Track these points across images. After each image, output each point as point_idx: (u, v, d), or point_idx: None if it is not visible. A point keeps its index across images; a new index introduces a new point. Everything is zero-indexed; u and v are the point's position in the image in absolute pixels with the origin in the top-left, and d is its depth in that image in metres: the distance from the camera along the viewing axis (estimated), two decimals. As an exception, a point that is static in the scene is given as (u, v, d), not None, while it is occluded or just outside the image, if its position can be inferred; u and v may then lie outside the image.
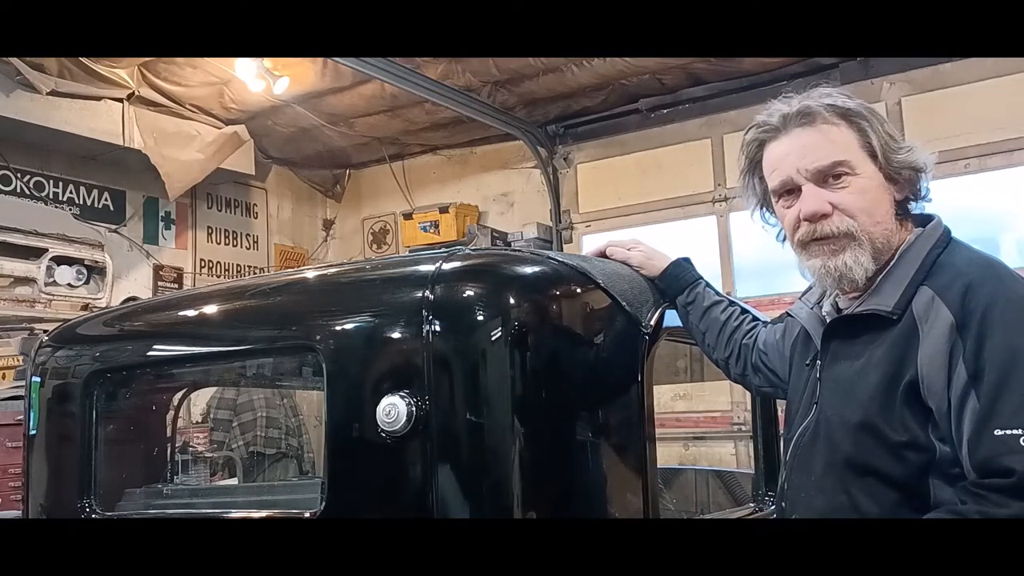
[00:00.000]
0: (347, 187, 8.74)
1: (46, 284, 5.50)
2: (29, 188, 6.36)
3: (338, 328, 1.91)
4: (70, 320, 2.85)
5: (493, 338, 1.72)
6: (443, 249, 2.17)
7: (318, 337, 1.88)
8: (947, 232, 1.57)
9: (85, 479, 2.24)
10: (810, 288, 1.72)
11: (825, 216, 1.51)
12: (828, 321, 1.62)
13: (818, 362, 1.61)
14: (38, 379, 2.39)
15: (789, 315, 1.81)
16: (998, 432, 1.29)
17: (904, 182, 1.54)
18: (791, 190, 1.56)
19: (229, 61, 6.14)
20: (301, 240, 8.54)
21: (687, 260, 2.03)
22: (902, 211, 1.56)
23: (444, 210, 7.53)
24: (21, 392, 3.42)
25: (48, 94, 5.79)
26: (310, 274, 2.49)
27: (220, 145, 6.86)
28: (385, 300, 1.91)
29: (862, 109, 1.54)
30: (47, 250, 5.54)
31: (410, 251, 7.07)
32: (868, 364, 1.48)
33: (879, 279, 1.53)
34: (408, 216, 7.71)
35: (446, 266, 1.81)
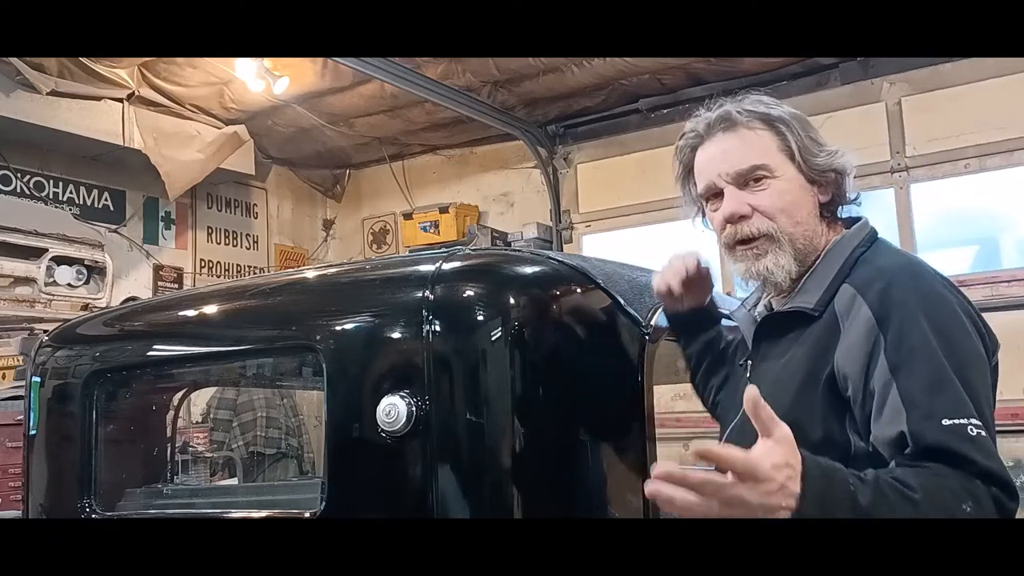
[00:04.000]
0: (347, 187, 8.74)
1: (46, 284, 5.50)
2: (29, 188, 6.36)
3: (338, 328, 1.91)
4: (70, 320, 2.85)
5: (493, 338, 1.72)
6: (443, 249, 2.18)
7: (318, 337, 1.88)
8: (872, 232, 1.59)
9: (85, 479, 2.24)
10: (752, 292, 1.75)
11: (744, 217, 1.55)
12: (758, 321, 1.65)
13: (749, 362, 1.65)
14: (38, 379, 2.39)
15: (729, 319, 1.83)
16: (947, 422, 1.31)
17: (827, 184, 1.58)
18: (716, 194, 1.60)
19: (229, 61, 6.14)
20: (301, 240, 8.54)
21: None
22: (829, 213, 1.60)
23: (444, 210, 7.53)
24: (21, 392, 3.42)
25: (48, 94, 5.79)
26: (310, 274, 2.49)
27: (220, 145, 6.86)
28: (385, 300, 1.91)
29: (783, 114, 1.57)
30: (47, 250, 5.54)
31: (410, 251, 7.07)
32: (791, 361, 1.51)
33: (805, 278, 1.56)
34: (408, 216, 7.71)
35: (446, 266, 1.81)
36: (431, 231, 7.50)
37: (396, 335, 1.81)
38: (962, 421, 1.31)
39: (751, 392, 1.18)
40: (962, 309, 1.45)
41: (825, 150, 1.57)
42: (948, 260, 6.05)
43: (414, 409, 1.66)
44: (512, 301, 1.77)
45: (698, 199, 1.69)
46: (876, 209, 6.24)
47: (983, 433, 1.32)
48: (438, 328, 1.71)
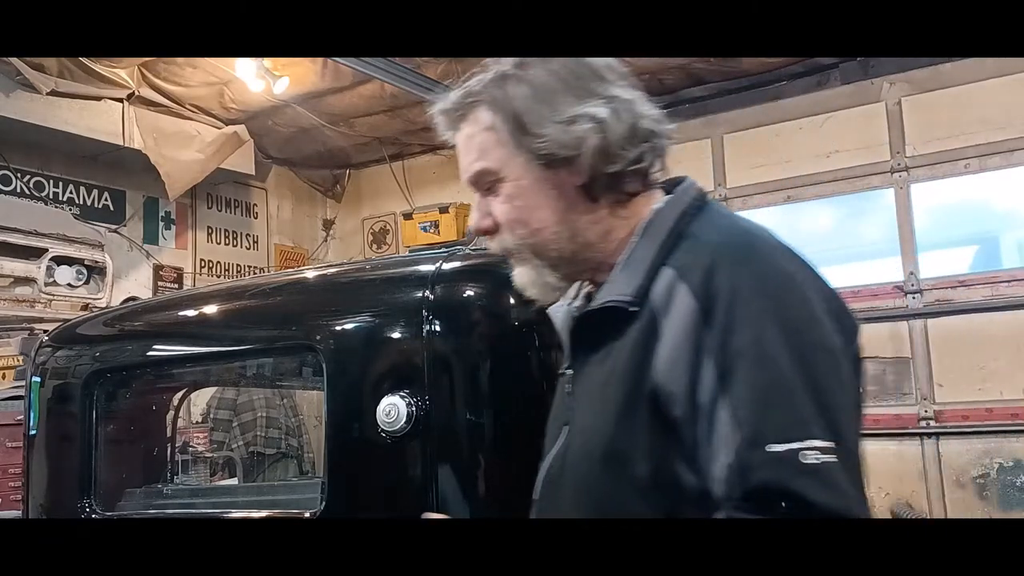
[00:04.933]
0: (347, 187, 8.74)
1: (46, 284, 5.51)
2: (29, 188, 6.36)
3: (338, 328, 1.91)
4: (70, 320, 2.85)
5: (493, 338, 1.72)
6: (443, 249, 2.17)
7: (318, 337, 1.88)
8: (699, 196, 1.25)
9: (85, 479, 2.24)
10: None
11: (489, 231, 1.27)
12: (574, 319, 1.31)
13: (569, 371, 1.31)
14: (38, 379, 2.39)
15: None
16: (774, 448, 1.00)
17: (579, 163, 1.20)
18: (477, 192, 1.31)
19: (229, 61, 6.14)
20: (301, 240, 8.54)
21: None
22: (606, 190, 1.23)
23: (444, 210, 7.53)
24: (21, 392, 3.42)
25: (48, 94, 5.78)
26: (310, 274, 2.49)
27: (220, 145, 6.86)
28: (385, 300, 1.91)
29: (490, 87, 1.25)
30: (47, 250, 5.54)
31: (410, 251, 7.07)
32: (607, 373, 1.18)
33: (620, 263, 1.23)
34: (408, 216, 7.71)
35: (446, 266, 1.81)
36: (431, 231, 7.50)
37: (396, 335, 1.81)
38: (795, 445, 0.99)
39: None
40: (814, 288, 1.14)
41: (563, 117, 1.20)
42: (948, 260, 6.05)
43: (414, 409, 1.66)
44: (512, 301, 1.77)
45: None
46: (876, 209, 6.25)
47: (830, 457, 1.00)
48: (438, 328, 1.71)
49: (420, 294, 1.76)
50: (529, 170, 1.22)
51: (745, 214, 6.60)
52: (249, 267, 7.97)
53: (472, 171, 1.27)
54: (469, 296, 1.78)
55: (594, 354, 1.23)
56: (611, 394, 1.16)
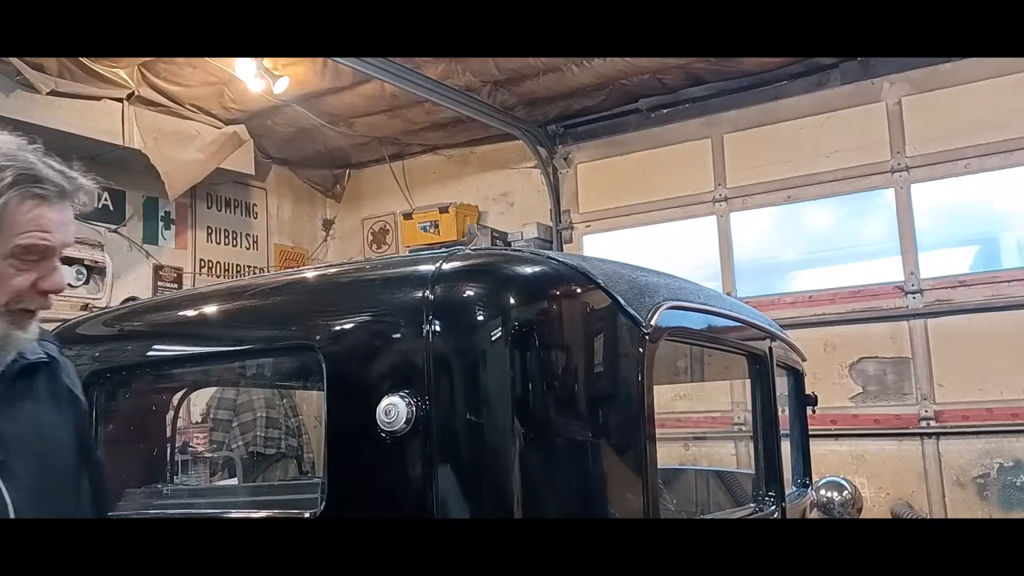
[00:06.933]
0: (347, 187, 8.74)
1: (46, 284, 5.49)
2: (29, 188, 6.35)
3: (338, 328, 1.91)
4: (70, 320, 2.85)
5: (493, 338, 1.72)
6: (443, 249, 2.17)
7: (318, 337, 1.88)
8: None
9: (85, 479, 2.23)
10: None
11: (55, 294, 1.58)
12: None
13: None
14: (38, 379, 2.38)
15: None
16: None
17: None
18: (37, 259, 1.57)
19: (229, 61, 6.14)
20: (301, 240, 8.54)
21: None
22: None
23: (444, 210, 7.53)
24: (21, 392, 3.41)
25: (48, 94, 5.78)
26: (310, 274, 2.49)
27: (220, 145, 6.85)
28: (385, 300, 1.91)
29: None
30: (47, 250, 5.53)
31: (410, 251, 7.07)
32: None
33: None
34: (408, 216, 7.71)
35: (446, 266, 1.81)
36: (431, 231, 7.50)
37: (396, 335, 1.81)
38: None
39: None
40: None
41: None
42: (948, 260, 6.06)
43: (414, 409, 1.66)
44: (512, 301, 1.77)
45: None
46: (876, 209, 6.25)
47: None
48: (438, 328, 1.71)
49: (420, 294, 1.76)
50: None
51: (745, 214, 6.64)
52: (249, 267, 7.97)
53: (72, 241, 1.62)
54: (469, 296, 1.78)
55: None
56: None
